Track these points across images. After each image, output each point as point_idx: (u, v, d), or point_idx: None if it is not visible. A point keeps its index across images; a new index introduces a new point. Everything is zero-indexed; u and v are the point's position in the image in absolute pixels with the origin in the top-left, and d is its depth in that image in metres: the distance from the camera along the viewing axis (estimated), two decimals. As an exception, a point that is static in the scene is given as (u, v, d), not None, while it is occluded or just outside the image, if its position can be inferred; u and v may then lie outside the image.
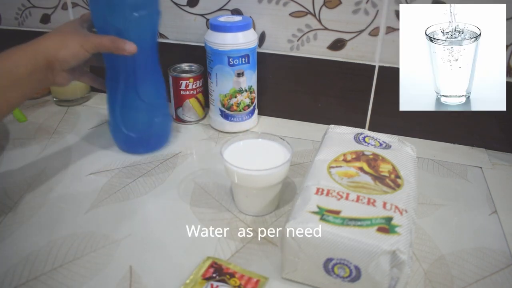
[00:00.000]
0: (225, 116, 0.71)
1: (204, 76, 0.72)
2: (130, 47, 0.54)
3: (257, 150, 0.54)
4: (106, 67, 0.60)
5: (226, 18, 0.67)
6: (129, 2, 0.53)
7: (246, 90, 0.69)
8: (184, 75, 0.71)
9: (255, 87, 0.71)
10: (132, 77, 0.59)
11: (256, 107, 0.73)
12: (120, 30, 0.54)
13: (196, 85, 0.71)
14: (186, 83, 0.71)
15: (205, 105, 0.76)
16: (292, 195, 0.57)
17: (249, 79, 0.69)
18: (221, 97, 0.69)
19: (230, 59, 0.65)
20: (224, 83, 0.68)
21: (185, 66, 0.74)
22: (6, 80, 0.47)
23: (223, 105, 0.70)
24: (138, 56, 0.56)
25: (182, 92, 0.71)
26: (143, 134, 0.64)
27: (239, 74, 0.67)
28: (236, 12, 0.71)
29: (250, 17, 0.70)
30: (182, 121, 0.75)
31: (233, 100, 0.69)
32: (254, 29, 0.70)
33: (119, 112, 0.62)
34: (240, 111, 0.70)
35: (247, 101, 0.70)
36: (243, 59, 0.66)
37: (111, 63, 0.59)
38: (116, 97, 0.61)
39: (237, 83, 0.68)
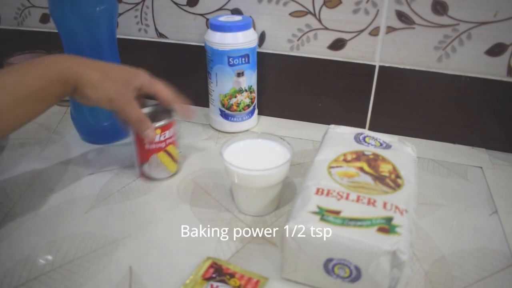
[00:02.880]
0: (225, 116, 0.71)
1: (175, 123, 0.58)
2: (150, 135, 0.53)
3: (257, 150, 0.54)
4: None
5: (226, 18, 0.67)
6: None
7: (246, 90, 0.69)
8: None
9: (255, 87, 0.71)
10: None
11: (256, 107, 0.73)
12: (81, 24, 0.57)
13: (165, 136, 0.56)
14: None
15: (177, 154, 0.61)
16: (292, 195, 0.57)
17: (249, 79, 0.68)
18: (221, 97, 0.69)
19: (230, 59, 0.65)
20: (224, 83, 0.67)
21: (149, 109, 0.57)
22: (39, 99, 0.47)
23: (223, 105, 0.69)
24: (101, 49, 0.60)
25: (147, 147, 0.56)
26: (109, 124, 0.67)
27: (239, 74, 0.67)
28: (236, 11, 0.71)
29: (250, 16, 0.70)
30: (149, 178, 0.59)
31: (233, 100, 0.69)
32: (254, 28, 0.70)
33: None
34: (240, 111, 0.70)
35: (247, 101, 0.70)
36: (243, 59, 0.66)
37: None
38: None
39: (237, 83, 0.67)
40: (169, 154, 0.58)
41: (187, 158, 0.65)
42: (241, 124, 0.72)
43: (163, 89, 0.54)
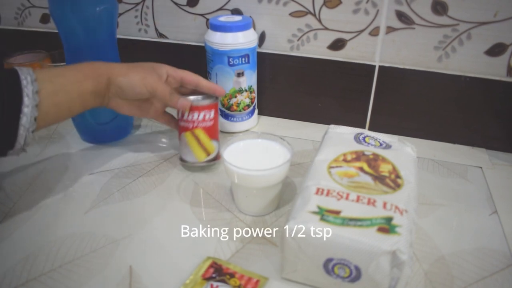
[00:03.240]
0: (225, 116, 0.71)
1: (213, 108, 0.58)
2: (183, 103, 0.56)
3: (257, 150, 0.54)
4: (68, 65, 0.62)
5: (226, 18, 0.67)
6: None
7: (246, 90, 0.69)
8: None
9: (255, 87, 0.71)
10: None
11: (256, 107, 0.73)
12: (81, 24, 0.58)
13: (193, 117, 0.57)
14: (182, 111, 0.57)
15: (212, 146, 0.59)
16: (292, 195, 0.57)
17: (249, 79, 0.68)
18: (221, 97, 0.69)
19: (230, 59, 0.65)
20: (224, 83, 0.67)
21: (195, 97, 0.60)
22: (75, 92, 0.50)
23: (223, 105, 0.69)
24: (101, 49, 0.61)
25: (180, 122, 0.58)
26: (109, 124, 0.67)
27: (239, 74, 0.67)
28: (236, 12, 0.71)
29: (250, 16, 0.70)
30: (181, 158, 0.61)
31: (233, 100, 0.69)
32: (254, 29, 0.70)
33: None
34: (240, 111, 0.70)
35: (247, 101, 0.70)
36: (243, 59, 0.66)
37: (75, 59, 0.61)
38: None
39: (237, 83, 0.67)
40: (197, 138, 0.58)
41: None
42: (241, 124, 0.72)
43: (187, 73, 0.59)
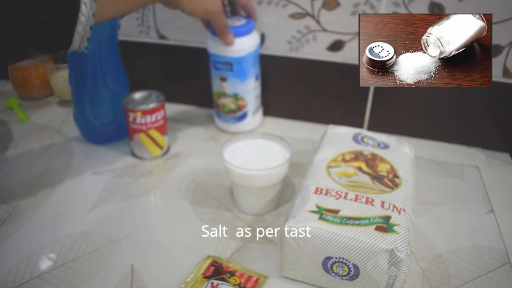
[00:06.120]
0: (217, 113, 0.72)
1: (162, 108, 0.63)
2: (230, 40, 0.61)
3: (257, 150, 0.54)
4: (70, 66, 0.63)
5: (231, 20, 0.64)
6: None
7: (230, 96, 0.68)
8: (131, 107, 0.61)
9: (246, 95, 0.68)
10: (99, 70, 0.63)
11: (247, 114, 0.70)
12: None
13: (145, 120, 0.61)
14: (134, 116, 0.61)
15: (164, 141, 0.66)
16: (292, 195, 0.57)
17: (234, 87, 0.67)
18: (214, 94, 0.70)
19: (215, 63, 0.65)
20: (213, 82, 0.69)
21: (141, 94, 0.64)
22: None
23: (214, 99, 0.71)
24: (102, 51, 0.62)
25: (131, 125, 0.63)
26: (111, 124, 0.67)
27: (222, 79, 0.66)
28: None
29: (253, 22, 0.66)
30: (134, 155, 0.66)
31: (219, 101, 0.69)
32: (258, 35, 0.67)
33: (89, 106, 0.65)
34: (225, 113, 0.70)
35: (232, 106, 0.69)
36: (225, 66, 0.64)
37: (77, 60, 0.62)
38: (84, 91, 0.64)
39: (220, 86, 0.67)
40: (151, 137, 0.63)
41: (187, 158, 0.66)
42: (227, 126, 0.71)
43: None
